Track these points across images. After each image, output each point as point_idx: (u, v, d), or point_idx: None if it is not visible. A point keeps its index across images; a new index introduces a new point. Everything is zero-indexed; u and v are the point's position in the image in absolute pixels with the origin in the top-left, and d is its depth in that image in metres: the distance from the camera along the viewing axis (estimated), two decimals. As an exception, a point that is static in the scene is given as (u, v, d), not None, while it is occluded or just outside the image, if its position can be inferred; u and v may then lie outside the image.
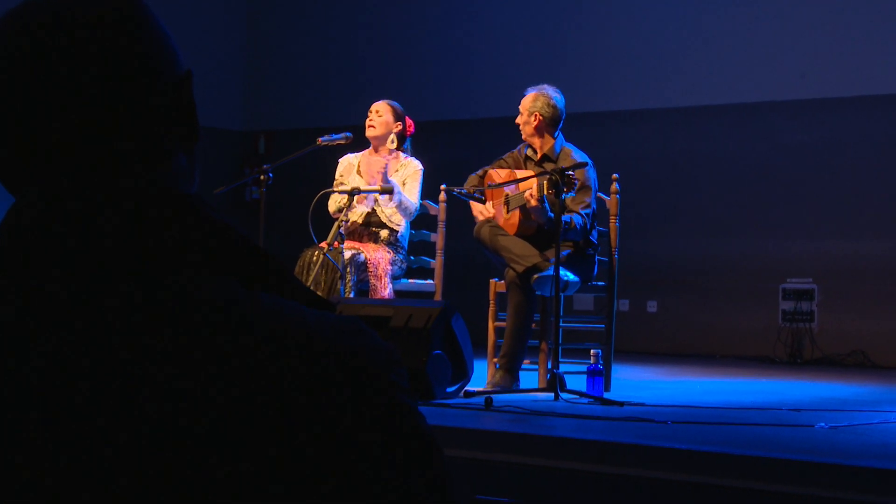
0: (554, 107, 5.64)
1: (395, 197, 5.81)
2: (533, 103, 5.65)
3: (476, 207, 5.75)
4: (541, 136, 5.66)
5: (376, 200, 5.96)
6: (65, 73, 0.95)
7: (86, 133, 0.96)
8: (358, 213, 5.98)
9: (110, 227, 0.92)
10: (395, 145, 6.03)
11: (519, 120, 5.70)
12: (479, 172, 5.80)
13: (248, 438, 0.87)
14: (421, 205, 6.03)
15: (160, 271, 0.92)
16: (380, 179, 5.78)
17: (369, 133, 6.04)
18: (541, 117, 5.62)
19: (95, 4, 0.97)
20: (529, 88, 5.74)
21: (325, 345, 0.91)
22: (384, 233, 5.94)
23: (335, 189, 5.95)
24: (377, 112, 6.05)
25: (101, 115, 0.96)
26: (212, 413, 0.86)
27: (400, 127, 6.05)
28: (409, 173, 5.96)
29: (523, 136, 5.73)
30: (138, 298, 0.90)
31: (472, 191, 5.75)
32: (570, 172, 5.11)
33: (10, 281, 0.93)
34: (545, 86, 5.72)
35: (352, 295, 5.52)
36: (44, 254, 0.92)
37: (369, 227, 5.98)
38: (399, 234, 5.96)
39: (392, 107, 6.07)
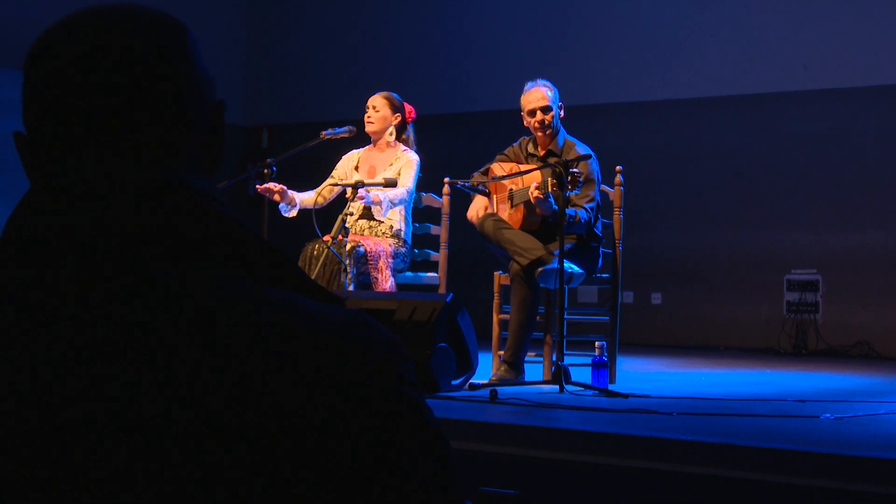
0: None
1: (384, 206, 5.79)
2: (553, 95, 5.57)
3: (476, 203, 5.71)
4: (557, 130, 5.62)
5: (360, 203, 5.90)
6: (96, 90, 0.98)
7: (109, 146, 0.98)
8: (355, 209, 5.97)
9: (119, 218, 0.92)
10: (393, 137, 6.04)
11: (547, 116, 5.52)
12: (483, 169, 5.79)
13: (252, 431, 0.86)
14: (415, 192, 6.01)
15: (167, 263, 0.92)
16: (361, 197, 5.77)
17: (368, 129, 6.05)
18: (562, 107, 5.60)
19: (141, 30, 1.00)
20: (530, 84, 5.62)
21: (329, 338, 0.91)
22: (384, 226, 5.93)
23: (341, 183, 5.95)
24: (374, 107, 6.05)
25: (126, 132, 0.98)
26: (215, 406, 0.86)
27: (399, 118, 6.05)
28: (402, 164, 5.95)
29: (542, 135, 5.59)
30: (143, 290, 0.90)
31: (475, 184, 5.73)
32: (575, 170, 5.08)
33: (15, 270, 0.93)
34: (538, 80, 5.66)
35: (351, 288, 5.51)
36: (49, 244, 0.93)
37: (369, 221, 5.97)
38: (399, 228, 5.95)
39: (388, 99, 6.06)
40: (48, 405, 0.87)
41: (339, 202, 5.94)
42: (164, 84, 0.99)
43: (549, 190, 5.16)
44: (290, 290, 0.95)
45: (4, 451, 0.87)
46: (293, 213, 5.91)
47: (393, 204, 5.84)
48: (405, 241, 5.95)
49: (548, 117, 5.54)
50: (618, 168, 5.82)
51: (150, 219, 0.93)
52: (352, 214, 5.82)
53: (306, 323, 0.91)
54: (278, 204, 5.90)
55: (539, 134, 5.60)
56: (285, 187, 5.83)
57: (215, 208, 0.95)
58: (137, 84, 0.98)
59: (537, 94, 5.56)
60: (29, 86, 1.01)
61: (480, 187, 5.72)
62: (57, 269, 0.92)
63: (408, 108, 6.12)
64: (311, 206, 5.82)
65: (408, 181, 5.91)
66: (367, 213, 5.98)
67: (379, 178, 5.75)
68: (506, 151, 5.80)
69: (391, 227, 5.92)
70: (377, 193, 5.74)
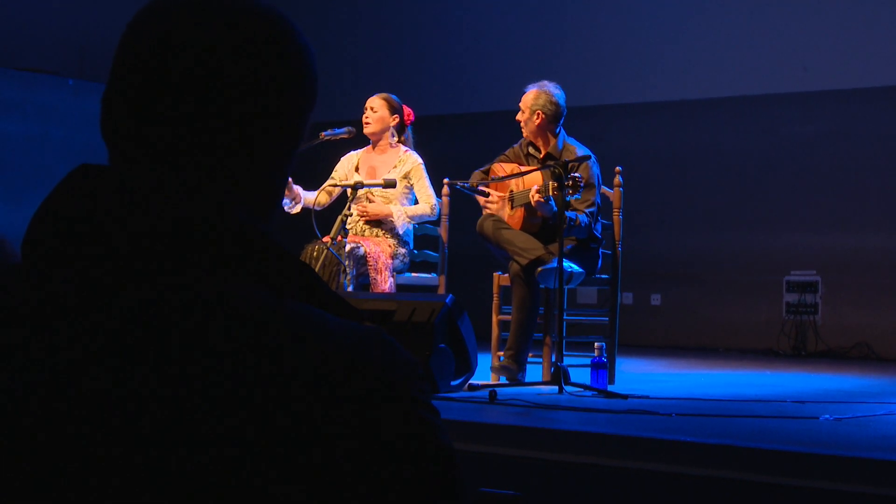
0: (556, 104, 5.62)
1: (401, 220, 5.83)
2: (535, 101, 5.61)
3: (483, 199, 5.74)
4: (543, 134, 5.64)
5: (366, 206, 5.96)
6: (143, 84, 0.97)
7: (147, 145, 0.97)
8: (356, 211, 5.98)
9: (140, 223, 0.92)
10: (395, 139, 6.05)
11: (520, 118, 5.65)
12: (484, 168, 5.80)
13: (263, 445, 0.85)
14: (440, 199, 6.05)
15: (188, 273, 0.91)
16: (370, 210, 5.86)
17: (366, 130, 6.04)
18: (543, 115, 5.59)
19: (245, 30, 0.98)
20: (530, 85, 5.69)
21: (346, 355, 0.90)
22: (384, 227, 5.93)
23: (340, 184, 5.96)
24: (372, 108, 6.05)
25: (164, 132, 0.97)
26: (227, 417, 0.86)
27: (397, 120, 6.05)
28: (409, 170, 5.94)
29: (525, 135, 5.70)
30: (163, 299, 0.90)
31: (475, 185, 5.74)
32: (577, 175, 5.09)
33: (36, 269, 0.93)
34: (545, 82, 5.68)
35: (350, 288, 5.51)
36: (78, 243, 0.92)
37: (369, 222, 5.98)
38: (399, 225, 5.95)
39: (387, 100, 6.06)
40: (58, 407, 0.87)
41: (339, 203, 5.95)
42: (212, 92, 0.97)
43: (550, 193, 5.17)
44: (310, 304, 0.93)
45: (8, 451, 0.86)
46: (296, 209, 5.90)
47: (417, 218, 5.91)
48: (406, 243, 5.96)
49: (521, 118, 5.64)
50: (617, 169, 5.83)
51: (172, 225, 0.91)
52: (350, 215, 5.82)
53: (323, 338, 0.90)
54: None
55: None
56: (290, 180, 5.83)
57: (237, 217, 0.93)
58: (184, 84, 0.96)
59: (524, 96, 5.64)
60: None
61: (480, 188, 5.73)
62: (76, 272, 0.91)
63: (406, 110, 6.12)
64: (312, 207, 5.82)
65: (428, 193, 5.92)
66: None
67: (379, 178, 5.76)
68: (507, 152, 5.82)
69: (392, 228, 5.92)
70: (403, 225, 5.82)
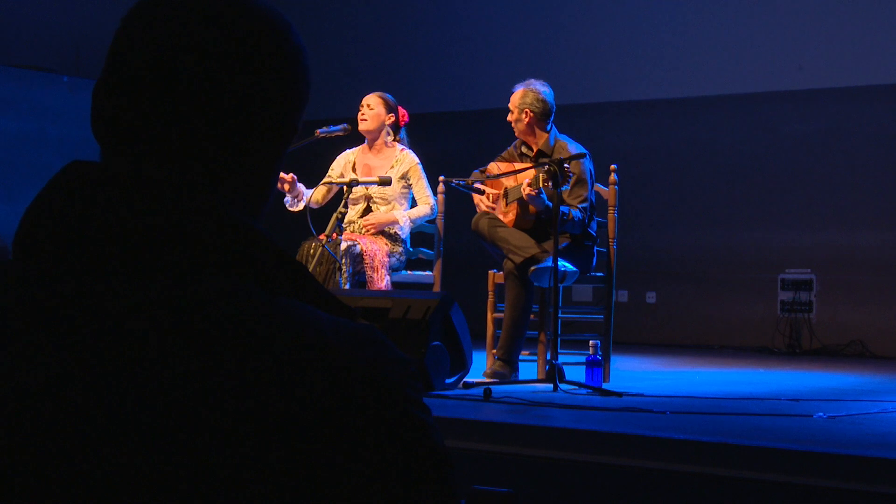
0: (543, 101, 5.62)
1: (405, 225, 5.86)
2: (522, 100, 5.62)
3: (478, 196, 5.76)
4: (533, 132, 5.65)
5: (370, 203, 5.98)
6: (136, 82, 0.96)
7: (137, 143, 0.97)
8: (354, 211, 5.99)
9: (133, 220, 0.91)
10: (391, 137, 6.05)
11: (510, 118, 5.67)
12: (482, 169, 5.81)
13: (254, 443, 0.85)
14: (435, 197, 6.06)
15: (181, 271, 0.91)
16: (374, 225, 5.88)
17: (362, 127, 6.04)
18: (531, 113, 5.60)
19: (204, 27, 0.97)
20: (517, 85, 5.72)
21: (339, 354, 0.89)
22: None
23: (335, 181, 5.95)
24: (368, 105, 6.04)
25: (156, 131, 0.96)
26: (218, 417, 0.85)
27: (392, 118, 6.05)
28: (407, 170, 5.94)
29: (516, 134, 5.72)
30: (156, 296, 0.89)
31: (471, 182, 5.75)
32: (567, 167, 5.11)
33: (30, 266, 0.92)
34: (532, 80, 5.70)
35: (347, 286, 5.52)
36: (67, 242, 0.92)
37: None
38: (398, 227, 5.96)
39: (383, 99, 6.06)
40: (50, 408, 0.87)
41: (335, 201, 5.95)
42: (207, 88, 0.96)
43: (541, 185, 5.18)
44: (304, 301, 0.93)
45: (4, 452, 0.86)
46: (299, 206, 5.89)
47: (419, 220, 5.93)
48: (403, 241, 5.96)
49: (511, 118, 5.67)
50: (612, 167, 5.83)
51: (165, 222, 0.91)
52: (346, 213, 5.82)
53: (316, 338, 0.89)
54: (283, 197, 5.90)
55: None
56: (295, 177, 5.83)
57: (230, 214, 0.93)
58: (177, 81, 0.95)
59: (512, 96, 5.67)
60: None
61: (476, 186, 5.74)
62: (68, 271, 0.91)
63: (401, 111, 6.12)
64: (307, 204, 5.83)
65: (427, 193, 5.94)
66: (365, 214, 5.99)
67: (374, 176, 5.76)
68: (503, 153, 5.85)
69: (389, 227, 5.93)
70: (404, 227, 5.83)
